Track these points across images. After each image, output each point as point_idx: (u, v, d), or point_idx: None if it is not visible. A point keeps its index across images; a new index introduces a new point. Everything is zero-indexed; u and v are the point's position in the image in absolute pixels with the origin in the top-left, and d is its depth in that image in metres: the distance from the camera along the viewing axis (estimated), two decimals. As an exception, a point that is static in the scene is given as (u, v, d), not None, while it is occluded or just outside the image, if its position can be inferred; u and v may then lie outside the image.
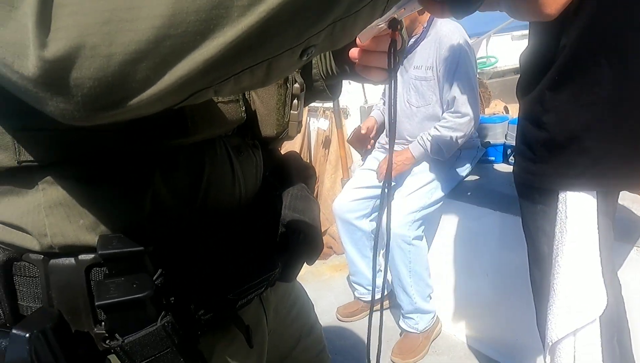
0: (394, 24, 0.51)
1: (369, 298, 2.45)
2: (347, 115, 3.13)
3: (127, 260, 0.46)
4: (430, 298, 2.16)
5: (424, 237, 2.12)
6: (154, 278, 0.47)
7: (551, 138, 1.04)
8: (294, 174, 0.71)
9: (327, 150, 3.09)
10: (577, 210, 1.03)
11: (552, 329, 1.09)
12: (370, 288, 2.23)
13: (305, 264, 0.69)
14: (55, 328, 0.45)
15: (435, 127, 2.01)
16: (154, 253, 0.48)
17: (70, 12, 0.26)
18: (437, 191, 2.06)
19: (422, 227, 2.10)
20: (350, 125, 3.15)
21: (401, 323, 2.18)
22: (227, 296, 0.54)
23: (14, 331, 0.43)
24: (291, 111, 0.65)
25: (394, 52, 0.52)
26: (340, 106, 2.94)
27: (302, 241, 0.64)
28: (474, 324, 2.14)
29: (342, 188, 2.92)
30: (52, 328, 0.44)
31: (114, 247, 0.45)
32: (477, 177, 2.21)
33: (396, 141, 2.18)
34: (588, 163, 1.00)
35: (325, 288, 2.76)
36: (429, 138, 2.01)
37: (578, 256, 1.04)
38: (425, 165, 2.10)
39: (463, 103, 1.96)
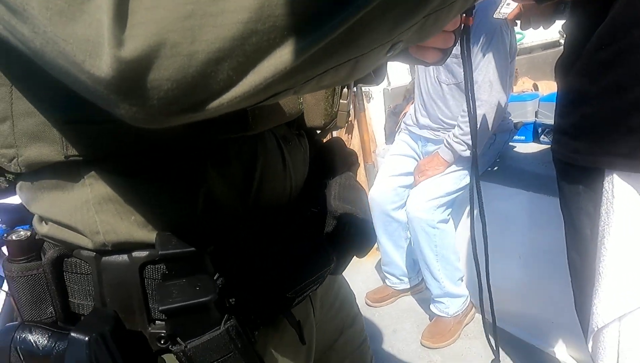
0: (468, 9, 0.48)
1: (401, 287, 2.44)
2: (370, 98, 3.08)
3: (187, 260, 0.44)
4: (462, 281, 2.12)
5: (451, 220, 2.07)
6: (215, 279, 0.46)
7: (598, 114, 0.99)
8: (338, 161, 0.68)
9: (349, 135, 3.06)
10: (625, 190, 0.98)
11: (598, 314, 1.05)
12: (402, 278, 2.22)
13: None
14: (113, 331, 0.44)
15: (458, 125, 1.91)
16: (213, 253, 0.46)
17: (149, 5, 0.23)
18: (465, 178, 2.00)
19: (449, 210, 2.05)
20: (373, 109, 3.11)
21: (432, 307, 2.17)
22: (286, 294, 0.52)
23: (72, 334, 0.42)
24: (340, 100, 0.61)
25: (466, 39, 0.49)
26: (363, 90, 2.89)
27: (355, 233, 0.62)
28: (507, 307, 2.10)
29: (366, 173, 2.90)
30: (110, 331, 0.43)
31: (174, 247, 0.44)
32: (507, 157, 2.15)
33: (430, 123, 2.12)
34: (638, 142, 0.95)
35: (353, 273, 2.74)
36: (455, 139, 1.91)
37: (626, 238, 0.99)
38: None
39: (485, 89, 1.83)
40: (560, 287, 1.71)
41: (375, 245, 2.98)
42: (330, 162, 0.68)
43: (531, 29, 1.19)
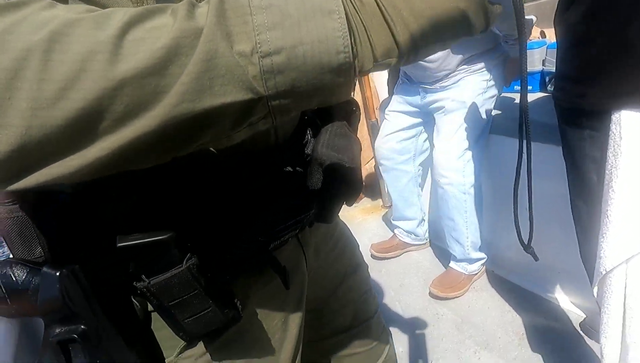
0: None
1: (407, 240, 2.44)
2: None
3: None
4: (481, 246, 2.09)
5: (481, 182, 2.00)
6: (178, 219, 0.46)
7: (603, 54, 0.95)
8: (335, 109, 0.66)
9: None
10: (632, 131, 0.95)
11: (605, 257, 1.04)
12: (410, 234, 2.17)
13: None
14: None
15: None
16: (178, 193, 0.47)
17: None
18: (480, 123, 1.94)
19: (478, 169, 1.97)
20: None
21: (452, 264, 2.15)
22: (257, 238, 0.52)
23: (44, 269, 0.44)
24: None
25: None
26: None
27: (340, 181, 0.61)
28: (513, 259, 2.11)
29: (371, 130, 2.86)
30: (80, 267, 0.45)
31: None
32: (513, 107, 2.10)
33: (425, 79, 2.04)
34: None
35: (358, 232, 2.76)
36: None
37: (635, 180, 0.97)
38: (458, 97, 1.96)
39: None
40: (565, 236, 1.70)
41: (380, 201, 2.98)
42: (327, 110, 0.66)
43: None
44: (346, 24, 0.34)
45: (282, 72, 0.33)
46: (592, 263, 1.12)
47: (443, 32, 0.38)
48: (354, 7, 0.36)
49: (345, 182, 0.62)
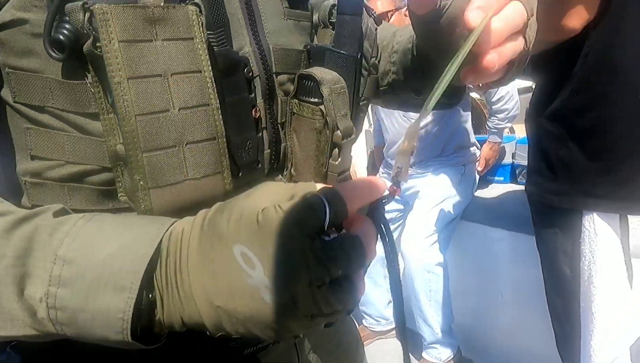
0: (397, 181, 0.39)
1: (378, 329, 2.38)
2: (351, 139, 3.10)
3: None
4: (451, 330, 2.06)
5: (447, 263, 2.03)
6: None
7: (574, 157, 1.01)
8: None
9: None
10: (605, 229, 0.99)
11: (595, 357, 1.03)
12: (379, 319, 2.12)
13: None
14: None
15: (494, 115, 2.15)
16: None
17: None
18: (451, 210, 2.01)
19: (444, 251, 2.01)
20: (355, 150, 3.11)
21: (424, 354, 2.09)
22: (228, 345, 0.49)
23: (8, 350, 0.44)
24: (330, 161, 0.54)
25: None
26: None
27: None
28: (491, 348, 2.08)
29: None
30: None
31: None
32: (487, 198, 2.19)
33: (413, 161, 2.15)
34: (614, 185, 0.97)
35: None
36: (499, 123, 2.15)
37: (616, 275, 1.00)
38: (433, 184, 2.05)
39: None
40: (544, 322, 1.70)
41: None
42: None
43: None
44: (132, 307, 0.32)
45: (68, 326, 0.34)
46: (573, 358, 1.11)
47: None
48: (168, 280, 0.34)
49: None
